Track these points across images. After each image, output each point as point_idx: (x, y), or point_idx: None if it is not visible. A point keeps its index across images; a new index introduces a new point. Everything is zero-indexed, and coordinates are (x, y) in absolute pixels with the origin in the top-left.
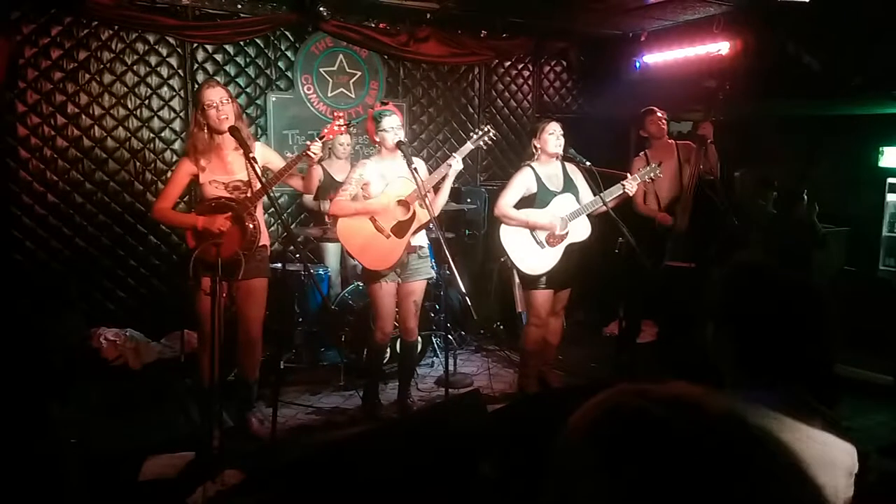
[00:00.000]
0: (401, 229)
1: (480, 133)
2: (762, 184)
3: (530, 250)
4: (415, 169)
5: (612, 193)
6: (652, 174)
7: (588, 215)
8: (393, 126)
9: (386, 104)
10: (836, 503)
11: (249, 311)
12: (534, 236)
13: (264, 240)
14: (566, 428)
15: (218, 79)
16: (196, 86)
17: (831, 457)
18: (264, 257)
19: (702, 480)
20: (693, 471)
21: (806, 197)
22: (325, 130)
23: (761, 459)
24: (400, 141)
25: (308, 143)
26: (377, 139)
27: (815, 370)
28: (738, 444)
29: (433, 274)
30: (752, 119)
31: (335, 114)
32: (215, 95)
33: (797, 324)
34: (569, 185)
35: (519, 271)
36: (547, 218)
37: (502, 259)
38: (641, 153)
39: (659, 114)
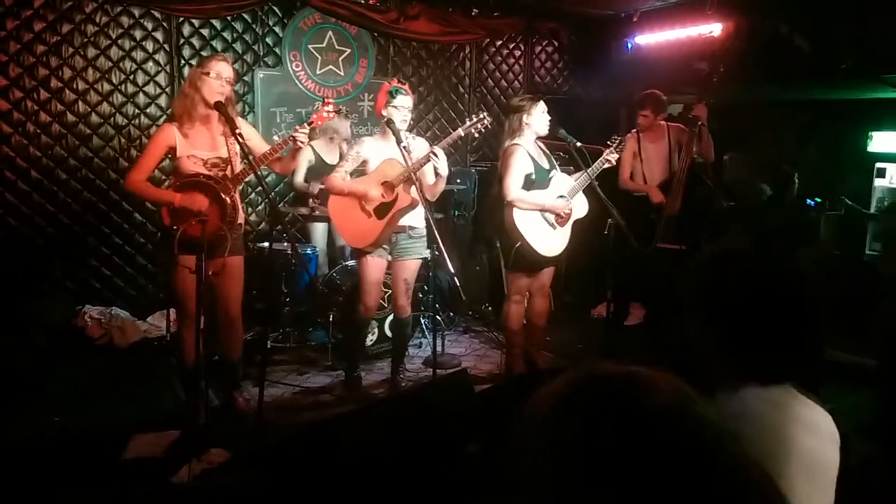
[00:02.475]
0: (382, 211)
1: (475, 120)
2: (764, 168)
3: (544, 232)
4: (404, 148)
5: (598, 168)
6: (619, 147)
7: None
8: (405, 105)
9: (403, 83)
10: (826, 469)
11: (229, 290)
12: (545, 218)
13: (240, 218)
14: (529, 404)
15: (205, 55)
16: (182, 61)
17: (815, 420)
18: (239, 235)
19: (657, 464)
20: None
21: (797, 180)
22: (314, 116)
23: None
24: (389, 119)
25: (296, 128)
26: (384, 114)
27: (805, 359)
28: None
29: (426, 254)
30: (743, 102)
31: (325, 100)
32: (225, 71)
33: (785, 312)
34: (551, 164)
35: (518, 255)
36: (556, 201)
37: (517, 245)
38: (633, 131)
39: (646, 111)
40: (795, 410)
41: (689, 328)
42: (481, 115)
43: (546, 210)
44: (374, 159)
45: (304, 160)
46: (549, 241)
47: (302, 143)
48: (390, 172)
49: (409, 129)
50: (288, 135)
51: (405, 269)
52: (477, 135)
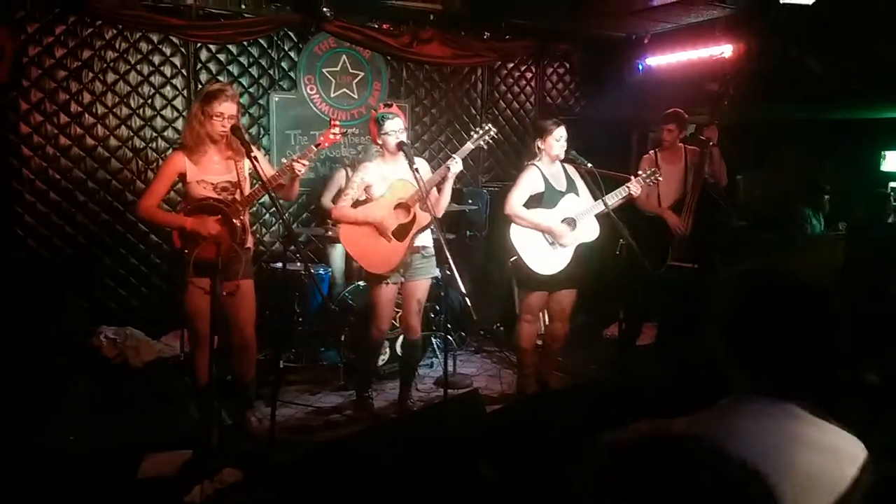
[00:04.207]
0: (402, 232)
1: (481, 132)
2: (813, 190)
3: (543, 250)
4: (416, 170)
5: (617, 195)
6: (652, 178)
7: (595, 215)
8: (395, 129)
9: (389, 106)
10: (832, 486)
11: (242, 312)
12: (545, 236)
13: (249, 241)
14: (581, 468)
15: (222, 79)
16: (199, 85)
17: (845, 449)
18: (249, 259)
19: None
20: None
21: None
22: (321, 138)
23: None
24: (401, 142)
25: (293, 158)
26: (379, 142)
27: (828, 375)
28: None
29: (437, 273)
30: (754, 122)
31: (332, 122)
32: (228, 110)
33: (810, 329)
34: (571, 186)
35: (521, 272)
36: (556, 224)
37: (512, 259)
38: (651, 152)
39: (671, 126)
40: (797, 429)
41: (714, 344)
42: (487, 127)
43: (540, 230)
44: (378, 183)
45: (335, 184)
46: (545, 259)
47: (300, 172)
48: (403, 193)
49: (423, 151)
50: (285, 163)
51: (418, 289)
52: (485, 146)
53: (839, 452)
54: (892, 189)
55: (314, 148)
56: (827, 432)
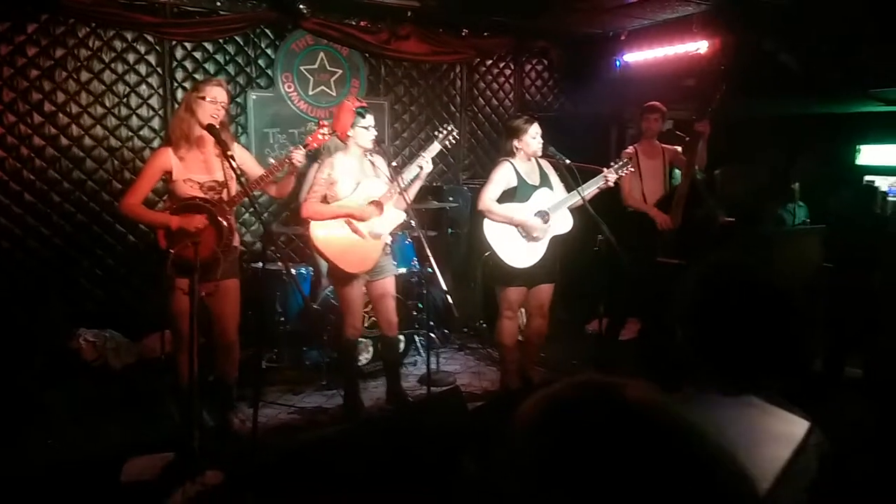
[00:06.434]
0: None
1: (445, 133)
2: (772, 190)
3: (516, 244)
4: (394, 168)
5: (591, 186)
6: (624, 169)
7: (568, 208)
8: (371, 125)
9: (361, 101)
10: (770, 474)
11: (226, 312)
12: (518, 230)
13: (236, 241)
14: (513, 419)
15: (198, 77)
16: (175, 83)
17: (779, 430)
18: (235, 258)
19: (621, 468)
20: (613, 457)
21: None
22: (309, 138)
23: (679, 449)
24: (377, 138)
25: (291, 150)
26: (350, 134)
27: (789, 371)
28: (655, 433)
29: (397, 270)
30: (731, 117)
31: (320, 122)
32: (220, 95)
33: (767, 323)
34: (544, 180)
35: (496, 267)
36: (529, 217)
37: (486, 254)
38: (631, 147)
39: (656, 115)
40: (757, 420)
41: (677, 337)
42: (450, 128)
43: (514, 224)
44: (345, 179)
45: (309, 180)
46: (520, 253)
47: (299, 163)
48: (375, 192)
49: (403, 148)
50: (283, 156)
51: (388, 287)
52: (448, 146)
53: (789, 440)
54: (868, 182)
55: (302, 148)
56: (782, 421)
